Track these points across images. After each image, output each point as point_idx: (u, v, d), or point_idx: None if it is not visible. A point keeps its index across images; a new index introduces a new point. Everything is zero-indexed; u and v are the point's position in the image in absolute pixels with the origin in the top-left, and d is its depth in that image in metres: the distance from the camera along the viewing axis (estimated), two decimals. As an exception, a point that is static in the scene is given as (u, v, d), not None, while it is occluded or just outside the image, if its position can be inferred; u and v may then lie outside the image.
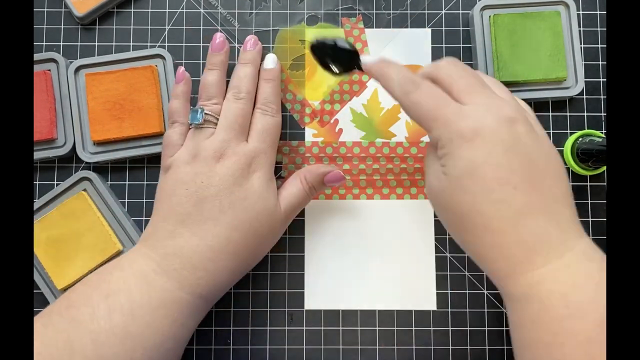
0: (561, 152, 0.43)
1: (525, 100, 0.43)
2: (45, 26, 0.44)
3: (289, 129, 0.44)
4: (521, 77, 0.42)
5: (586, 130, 0.42)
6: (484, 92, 0.32)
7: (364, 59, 0.36)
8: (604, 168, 0.42)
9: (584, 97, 0.44)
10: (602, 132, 0.42)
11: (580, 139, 0.42)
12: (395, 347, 0.42)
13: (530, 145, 0.31)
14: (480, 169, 0.31)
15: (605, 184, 0.43)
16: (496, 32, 0.42)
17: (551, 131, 0.43)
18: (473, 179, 0.31)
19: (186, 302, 0.35)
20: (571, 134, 0.43)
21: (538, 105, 0.44)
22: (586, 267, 0.30)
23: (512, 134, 0.31)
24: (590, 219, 0.43)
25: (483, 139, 0.31)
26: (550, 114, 0.44)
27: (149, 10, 0.44)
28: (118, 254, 0.41)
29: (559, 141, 0.43)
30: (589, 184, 0.42)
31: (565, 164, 0.43)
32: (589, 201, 0.43)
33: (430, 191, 0.34)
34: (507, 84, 0.42)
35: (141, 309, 0.34)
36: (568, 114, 0.44)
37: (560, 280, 0.30)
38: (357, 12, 0.45)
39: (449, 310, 0.42)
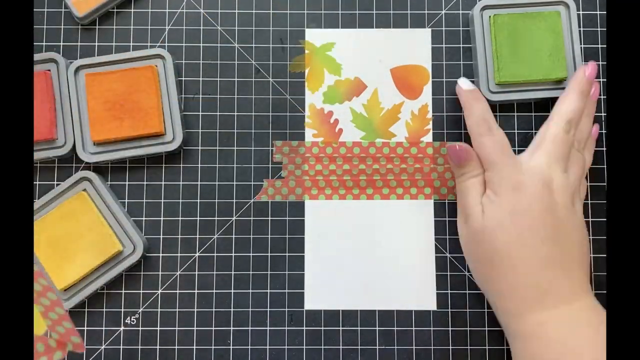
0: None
1: (525, 100, 0.43)
2: (45, 26, 0.44)
3: (289, 129, 0.44)
4: (521, 77, 0.42)
5: None
6: (544, 159, 0.37)
7: (461, 81, 0.41)
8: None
9: (584, 97, 0.44)
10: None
11: None
12: (395, 347, 0.42)
13: (564, 215, 0.37)
14: (520, 215, 0.36)
15: (605, 184, 0.43)
16: (496, 32, 0.42)
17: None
18: (513, 222, 0.36)
19: None
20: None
21: (538, 105, 0.44)
22: (588, 316, 0.35)
23: (550, 200, 0.36)
24: (590, 219, 0.43)
25: (527, 193, 0.36)
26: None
27: (149, 10, 0.44)
28: (118, 254, 0.41)
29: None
30: (588, 184, 0.42)
31: None
32: (589, 201, 0.43)
33: (469, 231, 0.38)
34: (507, 84, 0.42)
35: None
36: (568, 114, 0.44)
37: (563, 322, 0.34)
38: (357, 12, 0.45)
39: (449, 310, 0.42)
